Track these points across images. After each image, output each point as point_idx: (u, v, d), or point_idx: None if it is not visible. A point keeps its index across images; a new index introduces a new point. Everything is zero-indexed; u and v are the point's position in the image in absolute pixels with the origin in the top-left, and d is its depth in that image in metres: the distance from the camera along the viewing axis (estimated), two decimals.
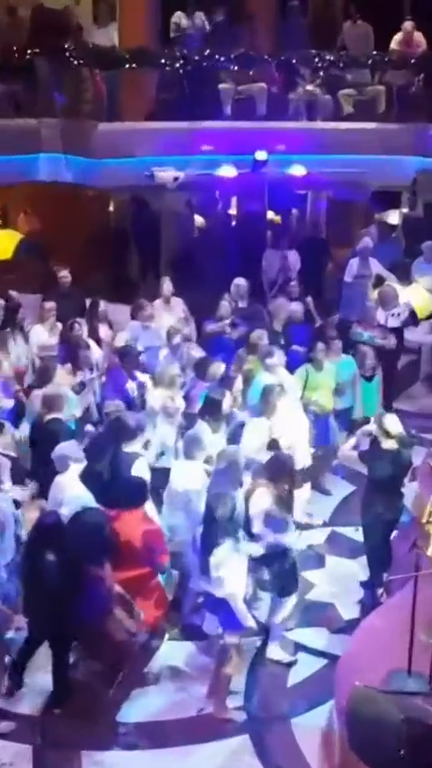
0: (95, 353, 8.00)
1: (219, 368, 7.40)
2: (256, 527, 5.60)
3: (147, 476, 5.93)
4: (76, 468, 5.77)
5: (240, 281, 9.34)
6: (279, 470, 5.73)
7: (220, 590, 5.16)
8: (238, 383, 7.29)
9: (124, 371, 7.46)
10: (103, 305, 8.75)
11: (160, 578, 5.62)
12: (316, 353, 7.91)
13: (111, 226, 12.88)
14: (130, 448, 6.06)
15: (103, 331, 8.57)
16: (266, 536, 5.61)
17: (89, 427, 7.16)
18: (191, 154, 10.04)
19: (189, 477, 5.94)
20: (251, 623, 5.33)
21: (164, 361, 7.78)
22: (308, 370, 7.90)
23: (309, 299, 9.67)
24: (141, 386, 7.33)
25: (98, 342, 8.33)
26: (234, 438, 6.60)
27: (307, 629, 6.23)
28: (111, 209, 12.94)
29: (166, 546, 5.57)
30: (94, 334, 8.37)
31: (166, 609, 5.70)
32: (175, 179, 9.74)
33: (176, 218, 12.44)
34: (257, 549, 5.58)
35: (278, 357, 7.56)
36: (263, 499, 5.62)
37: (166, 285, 9.14)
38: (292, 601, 5.92)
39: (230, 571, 5.11)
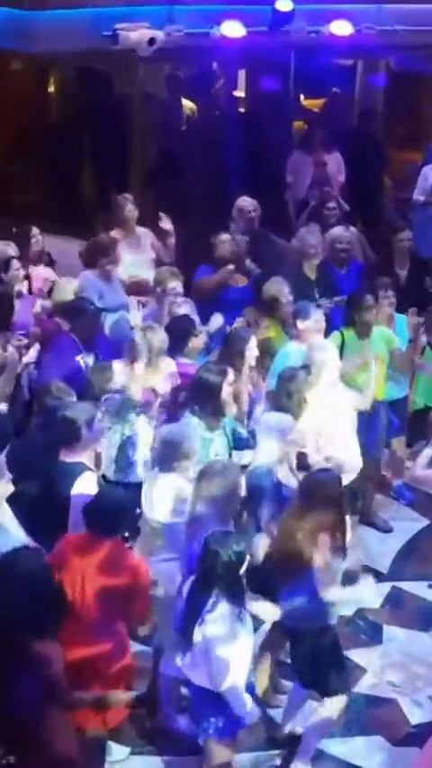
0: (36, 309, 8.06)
1: (200, 340, 7.45)
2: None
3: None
4: (3, 489, 5.70)
5: (245, 203, 9.33)
6: (323, 496, 5.67)
7: (211, 680, 5.12)
8: (250, 356, 7.21)
9: (74, 339, 7.44)
10: (37, 234, 8.77)
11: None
12: (360, 311, 7.80)
13: (51, 116, 12.90)
14: (74, 457, 6.01)
15: (41, 276, 8.59)
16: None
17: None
18: (175, 3, 10.00)
19: (167, 501, 5.94)
20: (254, 714, 5.31)
21: (143, 324, 7.73)
22: (345, 336, 7.83)
23: (352, 229, 9.67)
24: (102, 362, 7.30)
25: (31, 292, 8.39)
26: (238, 445, 6.64)
27: (355, 738, 6.18)
28: (51, 89, 12.95)
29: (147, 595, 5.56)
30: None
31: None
32: (151, 42, 9.62)
33: (153, 103, 12.45)
34: (272, 613, 5.60)
35: (315, 319, 7.54)
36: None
37: (129, 207, 9.14)
38: (338, 703, 5.84)
39: (228, 651, 5.07)
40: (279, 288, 7.99)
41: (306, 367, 6.88)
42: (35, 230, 8.78)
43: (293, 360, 7.27)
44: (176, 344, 7.31)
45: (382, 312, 8.08)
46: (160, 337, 7.12)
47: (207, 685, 5.17)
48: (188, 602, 5.29)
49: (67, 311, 7.72)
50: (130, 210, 9.13)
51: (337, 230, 9.18)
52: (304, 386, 6.71)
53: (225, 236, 8.87)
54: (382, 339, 7.95)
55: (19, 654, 4.89)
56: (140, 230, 9.20)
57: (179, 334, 7.37)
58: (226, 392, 6.59)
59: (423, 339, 8.24)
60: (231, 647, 5.08)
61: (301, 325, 7.50)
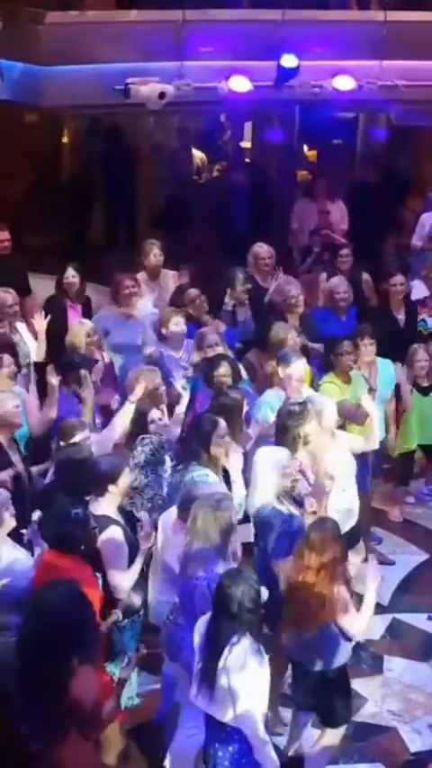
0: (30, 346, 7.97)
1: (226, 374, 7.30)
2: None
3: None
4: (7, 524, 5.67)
5: (260, 249, 9.30)
6: (328, 542, 5.58)
7: (235, 714, 4.92)
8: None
9: (69, 391, 7.21)
10: (71, 277, 8.61)
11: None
12: (339, 357, 7.72)
13: (64, 165, 13.06)
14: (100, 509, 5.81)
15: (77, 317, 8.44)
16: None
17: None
18: (184, 59, 10.04)
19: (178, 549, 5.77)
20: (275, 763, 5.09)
21: (142, 367, 7.51)
22: (326, 383, 7.73)
23: (365, 275, 9.69)
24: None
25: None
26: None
27: (357, 765, 6.16)
28: (65, 140, 13.12)
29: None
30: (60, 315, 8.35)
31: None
32: (161, 96, 9.73)
33: (163, 154, 12.60)
34: None
35: (297, 367, 7.29)
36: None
37: (154, 252, 9.14)
38: (340, 731, 5.84)
39: (251, 685, 4.90)
40: (287, 332, 7.90)
41: (303, 403, 6.66)
42: (70, 270, 8.63)
43: (272, 407, 7.08)
44: (206, 381, 7.37)
45: (363, 359, 7.91)
46: (157, 380, 7.07)
47: (225, 719, 4.93)
48: (208, 639, 5.05)
49: (59, 366, 7.46)
50: (156, 255, 9.08)
51: (336, 280, 9.12)
52: (300, 421, 6.47)
53: (239, 275, 8.78)
54: (360, 384, 7.84)
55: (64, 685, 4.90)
56: (164, 275, 9.17)
57: (207, 371, 7.38)
58: (221, 443, 6.38)
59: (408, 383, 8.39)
60: (254, 682, 4.90)
61: (282, 372, 7.28)
